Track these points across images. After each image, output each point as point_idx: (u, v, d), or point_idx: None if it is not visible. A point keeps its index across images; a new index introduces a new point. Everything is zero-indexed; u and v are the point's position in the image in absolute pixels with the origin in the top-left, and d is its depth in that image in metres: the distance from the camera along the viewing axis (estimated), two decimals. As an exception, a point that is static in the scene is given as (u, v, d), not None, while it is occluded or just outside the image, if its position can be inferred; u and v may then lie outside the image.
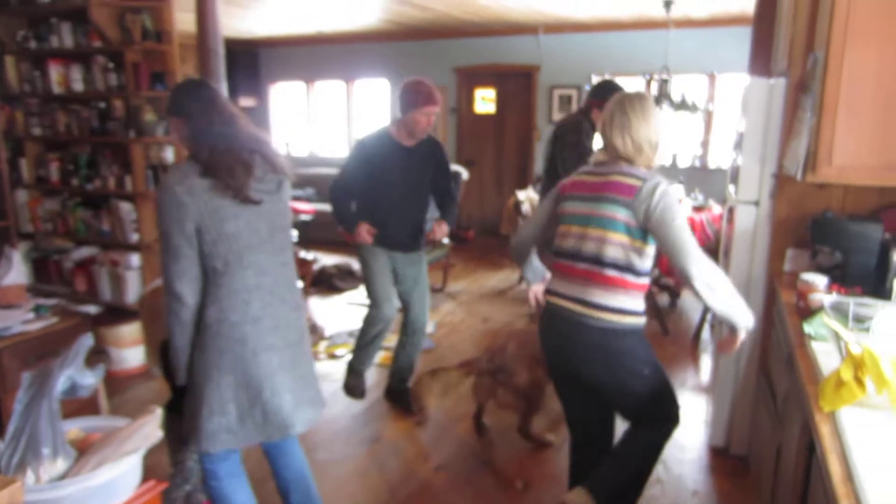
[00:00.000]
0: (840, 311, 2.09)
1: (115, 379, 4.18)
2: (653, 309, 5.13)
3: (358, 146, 3.67)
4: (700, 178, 7.57)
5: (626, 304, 2.24)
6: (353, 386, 4.06)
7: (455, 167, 7.68)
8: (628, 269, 2.22)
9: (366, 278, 3.82)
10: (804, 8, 2.86)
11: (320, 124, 10.28)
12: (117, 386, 4.11)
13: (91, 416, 2.54)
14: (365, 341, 3.93)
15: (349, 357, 4.09)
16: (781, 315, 2.56)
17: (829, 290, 2.39)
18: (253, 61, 10.23)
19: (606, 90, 3.74)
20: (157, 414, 2.12)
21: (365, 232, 3.66)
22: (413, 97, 3.48)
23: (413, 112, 3.49)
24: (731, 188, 3.72)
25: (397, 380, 4.05)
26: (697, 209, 5.76)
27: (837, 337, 1.84)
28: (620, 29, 7.88)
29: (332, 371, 4.55)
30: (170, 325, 2.06)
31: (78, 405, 2.70)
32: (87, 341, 2.08)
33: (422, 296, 3.89)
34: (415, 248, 3.83)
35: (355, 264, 7.10)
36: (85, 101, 4.55)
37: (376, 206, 3.68)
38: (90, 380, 2.03)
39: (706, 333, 5.11)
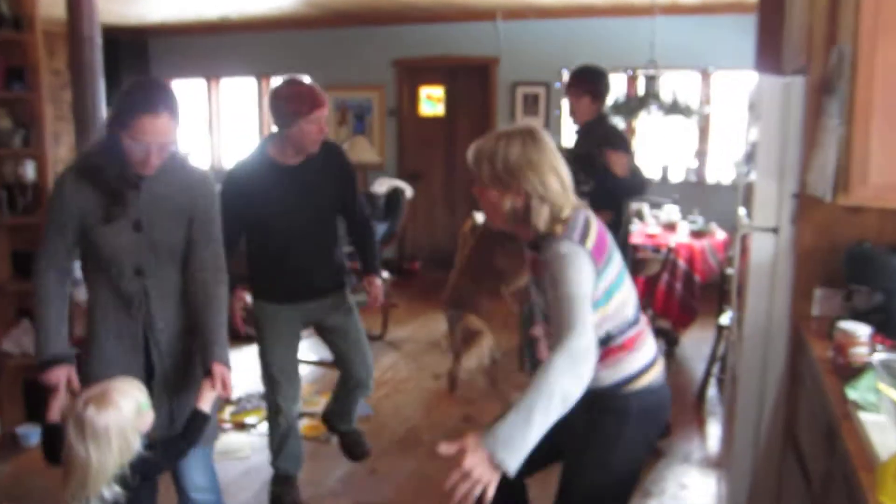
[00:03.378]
0: (892, 372, 2.03)
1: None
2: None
3: (227, 181, 3.40)
4: (697, 195, 7.61)
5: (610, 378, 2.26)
6: (282, 496, 3.63)
7: (396, 182, 7.59)
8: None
9: (259, 352, 3.56)
10: (822, -10, 2.86)
11: (226, 130, 10.14)
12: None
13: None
14: (276, 445, 3.60)
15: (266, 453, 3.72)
16: (814, 373, 2.50)
17: (872, 341, 2.33)
18: (141, 53, 10.05)
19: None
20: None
21: (238, 308, 3.58)
22: (295, 104, 3.22)
23: (300, 122, 3.23)
24: (742, 211, 3.71)
25: (340, 420, 3.83)
26: (696, 234, 5.76)
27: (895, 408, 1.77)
28: (595, 15, 7.95)
29: (240, 445, 4.33)
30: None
31: None
32: None
33: (360, 349, 3.65)
34: (333, 289, 3.58)
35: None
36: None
37: (269, 251, 3.45)
38: None
39: (713, 390, 5.07)
